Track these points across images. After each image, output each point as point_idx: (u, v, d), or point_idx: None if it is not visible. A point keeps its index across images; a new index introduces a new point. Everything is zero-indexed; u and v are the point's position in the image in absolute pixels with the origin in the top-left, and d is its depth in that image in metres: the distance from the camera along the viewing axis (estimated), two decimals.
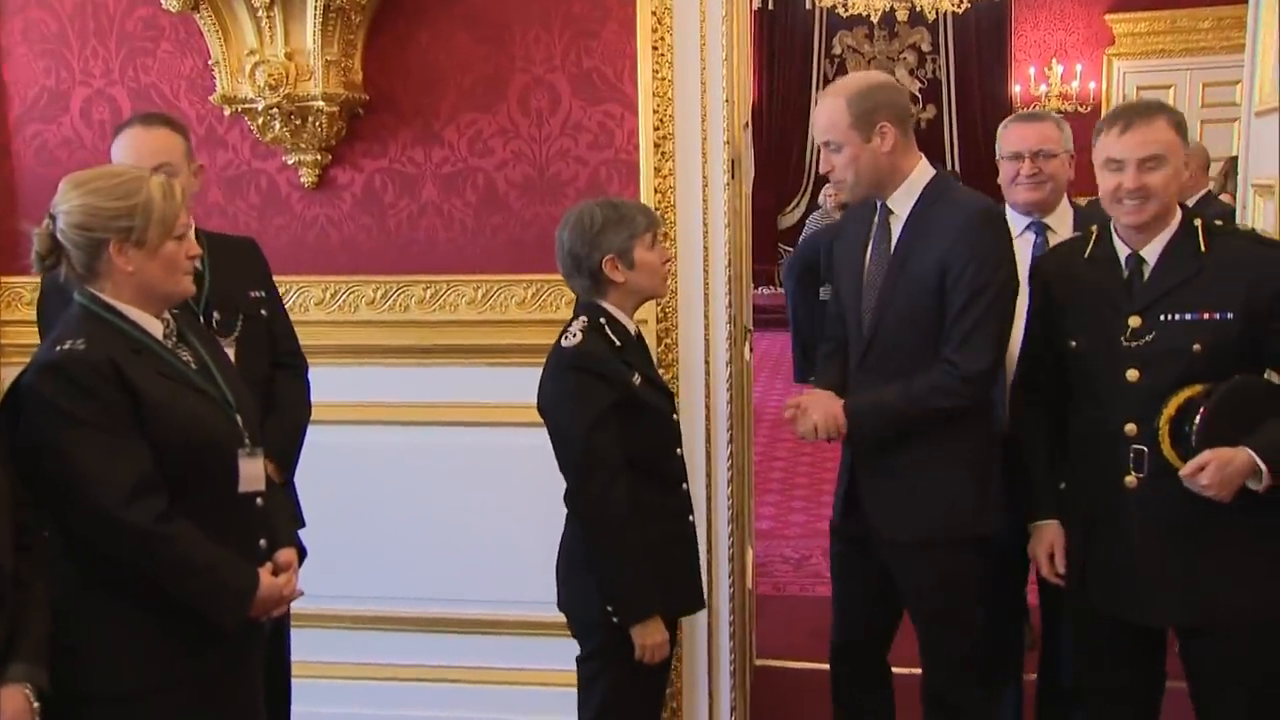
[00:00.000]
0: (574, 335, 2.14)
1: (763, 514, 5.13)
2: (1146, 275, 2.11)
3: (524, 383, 2.38)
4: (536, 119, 2.99)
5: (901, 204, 2.26)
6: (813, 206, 11.34)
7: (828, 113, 2.26)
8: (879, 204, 2.30)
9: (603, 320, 2.18)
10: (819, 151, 2.31)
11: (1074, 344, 2.17)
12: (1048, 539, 2.26)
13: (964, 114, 11.46)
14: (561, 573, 2.28)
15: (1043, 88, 11.11)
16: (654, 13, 2.84)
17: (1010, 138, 2.71)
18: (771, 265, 11.94)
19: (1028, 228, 2.64)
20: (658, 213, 2.47)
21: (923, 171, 2.28)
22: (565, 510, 2.26)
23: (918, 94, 11.88)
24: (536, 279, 3.03)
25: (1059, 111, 10.95)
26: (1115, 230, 2.18)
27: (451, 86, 3.03)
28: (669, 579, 2.21)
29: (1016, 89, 11.36)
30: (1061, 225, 2.64)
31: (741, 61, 3.25)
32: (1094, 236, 2.22)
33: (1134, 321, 2.09)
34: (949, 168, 11.48)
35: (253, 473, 1.89)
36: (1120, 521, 2.12)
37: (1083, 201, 2.83)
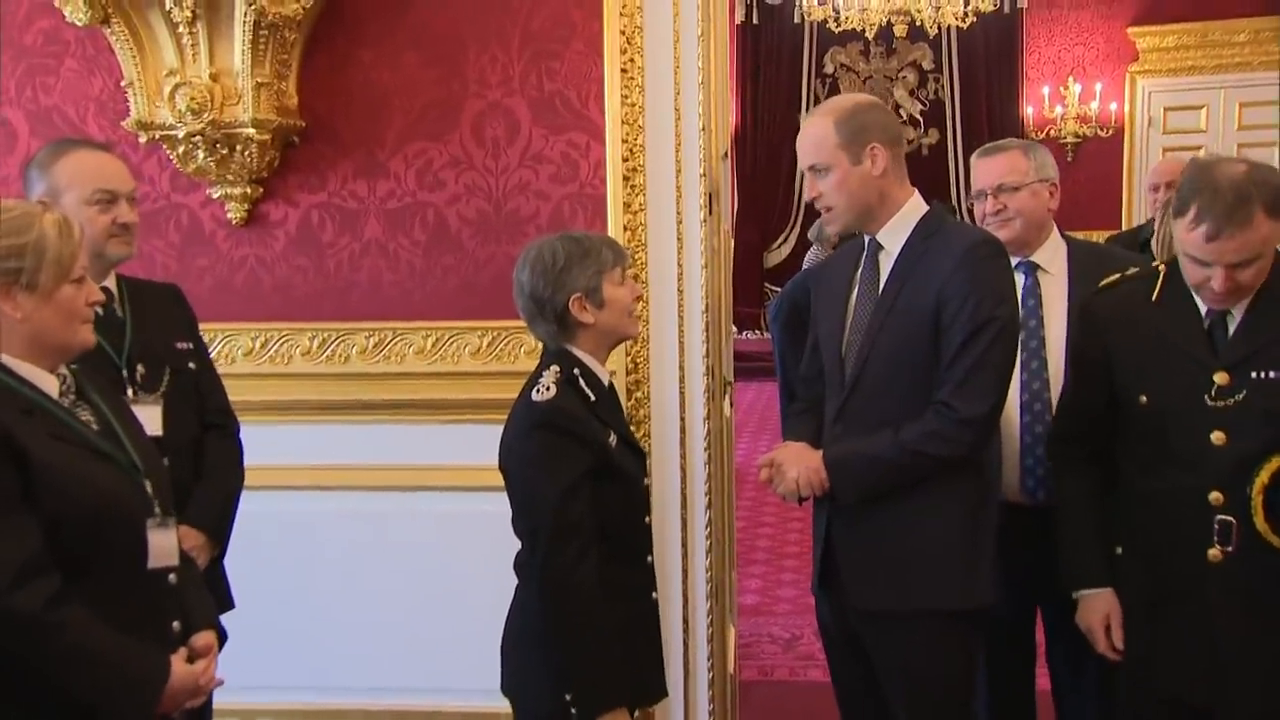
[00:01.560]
0: (547, 389, 2.15)
1: (747, 588, 5.14)
2: (1233, 327, 2.10)
3: (480, 442, 2.42)
4: (492, 148, 3.06)
5: (892, 239, 2.32)
6: (805, 242, 11.51)
7: (814, 134, 2.32)
8: (867, 240, 2.37)
9: (576, 371, 2.21)
10: (804, 179, 2.37)
11: (1143, 400, 2.16)
12: (1102, 609, 2.25)
13: (971, 139, 11.58)
14: (507, 650, 2.28)
15: (1058, 109, 11.27)
16: (623, 32, 2.93)
17: (974, 175, 2.81)
18: (756, 308, 12.08)
19: (1015, 267, 2.69)
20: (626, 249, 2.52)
21: (916, 205, 2.34)
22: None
23: (919, 116, 12.12)
24: (493, 326, 3.08)
25: (1077, 136, 11.23)
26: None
27: (398, 112, 3.09)
28: (632, 663, 2.20)
29: (1029, 111, 11.53)
30: (1053, 263, 2.69)
31: (720, 84, 3.34)
32: (1162, 277, 2.20)
33: (1221, 378, 2.07)
34: (953, 199, 11.67)
35: (164, 546, 1.87)
36: (1199, 599, 2.10)
37: (1083, 237, 2.91)
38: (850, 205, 2.31)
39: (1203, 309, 2.14)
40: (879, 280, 2.32)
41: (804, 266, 7.71)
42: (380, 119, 3.10)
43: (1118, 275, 2.33)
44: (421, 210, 3.11)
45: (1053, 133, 11.29)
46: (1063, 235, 2.76)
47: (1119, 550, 2.27)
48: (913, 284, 2.25)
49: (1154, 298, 2.21)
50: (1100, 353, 2.26)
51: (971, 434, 2.20)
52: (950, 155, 11.97)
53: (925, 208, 2.34)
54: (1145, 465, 2.20)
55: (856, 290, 2.36)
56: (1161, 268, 2.24)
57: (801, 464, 2.31)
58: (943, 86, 12.16)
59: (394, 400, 3.12)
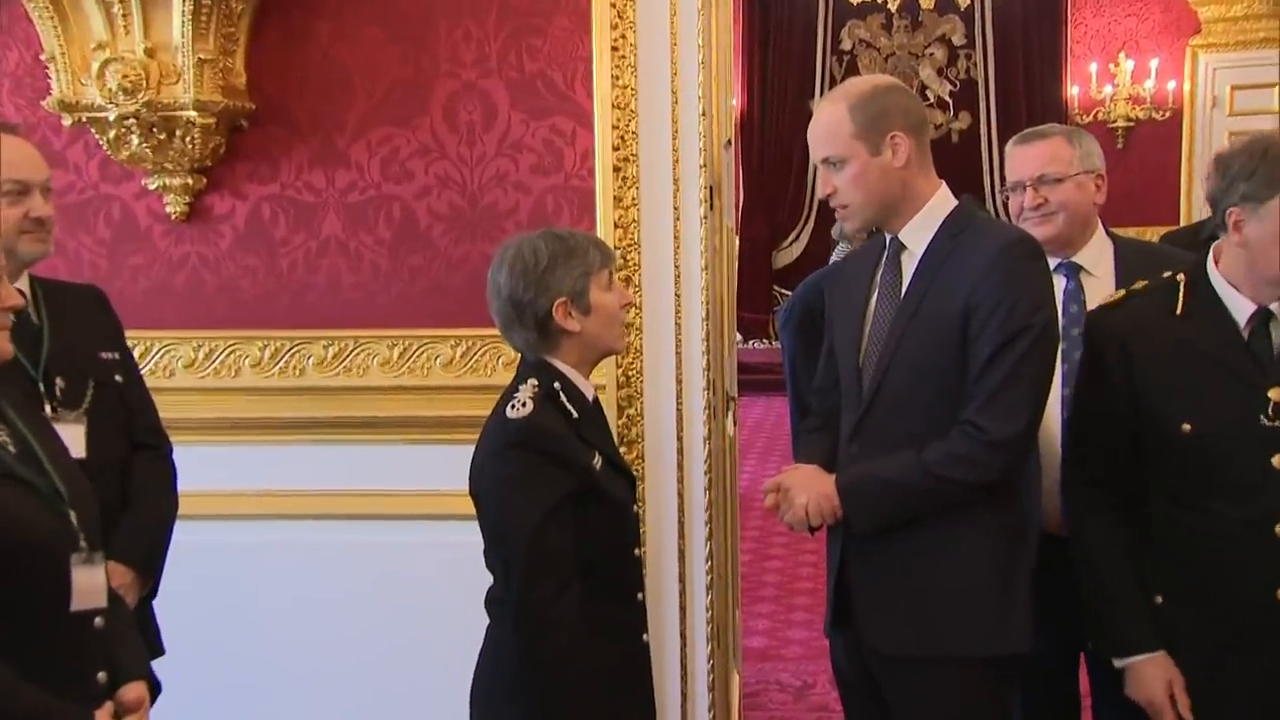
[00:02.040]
0: (523, 404, 2.17)
1: (753, 629, 5.15)
2: (1278, 335, 2.11)
3: (451, 465, 2.43)
4: (466, 135, 3.09)
5: (916, 237, 2.33)
6: (819, 239, 11.50)
7: (827, 122, 2.31)
8: (888, 239, 2.39)
9: (557, 385, 2.23)
10: (817, 176, 2.40)
11: (1186, 428, 2.15)
12: (1161, 676, 2.21)
13: (1007, 124, 11.57)
14: (477, 699, 2.28)
15: (1108, 89, 11.29)
16: (613, 5, 2.95)
17: (1010, 164, 2.79)
18: (764, 314, 12.14)
19: (1055, 269, 2.69)
20: (615, 250, 2.55)
21: (943, 200, 2.35)
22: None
23: (948, 99, 12.17)
24: (467, 334, 3.10)
25: (1129, 119, 11.23)
26: (1216, 275, 2.17)
27: (360, 93, 3.12)
28: (619, 715, 2.23)
29: (1074, 92, 11.57)
30: (1098, 264, 2.71)
31: (723, 63, 3.37)
32: (1183, 285, 2.22)
33: (1277, 395, 2.08)
34: (986, 192, 11.71)
35: (90, 585, 1.82)
36: (1272, 646, 2.11)
37: (1135, 235, 2.93)
38: (868, 201, 2.32)
39: (1240, 318, 2.14)
40: (901, 283, 2.33)
41: (833, 262, 7.69)
42: (340, 101, 3.12)
43: (1123, 291, 2.34)
44: (386, 204, 3.13)
45: (1101, 116, 11.33)
46: (1109, 233, 2.78)
47: (1158, 599, 2.25)
48: (938, 287, 2.26)
49: (1177, 311, 2.21)
50: (1123, 378, 2.24)
51: (1002, 457, 2.21)
52: (983, 142, 12.01)
53: (954, 202, 2.36)
54: (1188, 500, 2.19)
55: (876, 294, 2.38)
56: (1181, 276, 2.24)
57: (812, 489, 2.32)
58: (975, 64, 12.20)
59: (355, 418, 3.14)
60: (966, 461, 2.19)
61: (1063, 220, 2.70)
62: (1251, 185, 2.07)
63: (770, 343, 11.85)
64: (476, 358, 3.10)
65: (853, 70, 12.17)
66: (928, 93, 12.12)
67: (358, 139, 3.12)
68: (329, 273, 3.15)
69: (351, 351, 3.15)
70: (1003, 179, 12.30)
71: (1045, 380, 2.26)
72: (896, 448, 2.26)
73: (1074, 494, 2.37)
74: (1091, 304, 2.64)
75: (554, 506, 2.12)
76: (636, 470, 2.97)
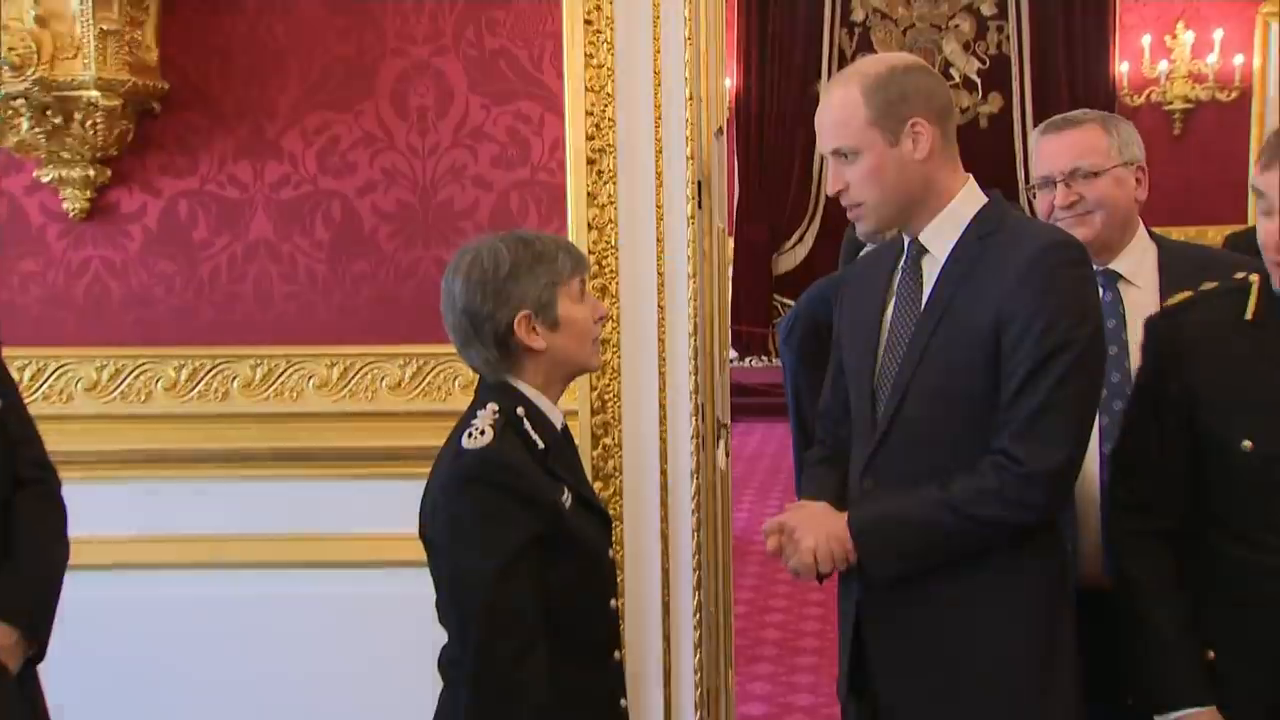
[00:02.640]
0: (481, 433, 2.18)
1: (751, 694, 5.15)
2: None
3: (399, 503, 2.45)
4: (418, 122, 3.12)
5: (939, 239, 2.34)
6: (828, 241, 11.49)
7: (838, 108, 2.31)
8: (906, 241, 2.41)
9: (521, 411, 2.25)
10: (823, 168, 2.42)
11: (1247, 445, 2.18)
12: None
13: (1044, 107, 11.51)
14: None
15: (1163, 65, 11.35)
16: None
17: (1038, 157, 2.81)
18: (763, 327, 12.20)
19: None
20: (588, 255, 2.57)
21: (970, 197, 2.34)
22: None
23: (976, 78, 12.24)
24: (418, 352, 3.13)
25: (1188, 100, 11.24)
26: None
27: (293, 73, 3.15)
28: None
29: (1124, 69, 11.63)
30: (1139, 271, 2.72)
31: (714, 38, 3.40)
32: (1257, 289, 2.25)
33: None
34: (1021, 187, 11.72)
35: None
36: None
37: (1194, 236, 2.95)
38: (886, 199, 2.32)
39: None
40: (921, 292, 2.34)
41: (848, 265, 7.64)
42: (270, 82, 3.15)
43: (1189, 292, 2.36)
44: (325, 201, 3.16)
45: (1155, 97, 11.41)
46: (1151, 235, 2.79)
47: (1210, 655, 2.26)
48: (966, 297, 2.27)
49: (1248, 315, 2.24)
50: (1180, 389, 2.27)
51: (1041, 493, 2.21)
52: (1017, 129, 12.06)
53: (982, 199, 2.37)
54: (1248, 534, 2.21)
55: (893, 304, 2.39)
56: (1254, 277, 2.26)
57: (821, 530, 2.32)
58: (1008, 38, 12.27)
59: (288, 449, 3.16)
60: (999, 497, 2.20)
61: (1100, 220, 2.71)
62: None
63: (770, 360, 11.89)
64: (429, 379, 3.14)
65: (866, 45, 12.21)
66: (952, 71, 12.18)
67: (291, 126, 3.15)
68: (257, 280, 3.18)
69: (284, 372, 3.17)
70: None
71: (1090, 405, 2.27)
72: (917, 483, 2.26)
73: (1119, 522, 2.40)
74: (1132, 317, 2.67)
75: (516, 552, 2.13)
76: (613, 510, 3.00)
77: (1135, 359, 2.62)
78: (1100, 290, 2.68)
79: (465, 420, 2.25)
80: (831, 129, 2.35)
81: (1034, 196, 2.85)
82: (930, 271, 2.35)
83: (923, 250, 2.37)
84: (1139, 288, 2.71)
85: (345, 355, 3.16)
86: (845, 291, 2.59)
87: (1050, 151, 2.79)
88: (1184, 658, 2.27)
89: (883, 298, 2.42)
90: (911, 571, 2.28)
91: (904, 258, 2.41)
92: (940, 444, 2.28)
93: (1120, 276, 2.73)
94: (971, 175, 2.40)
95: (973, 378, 2.24)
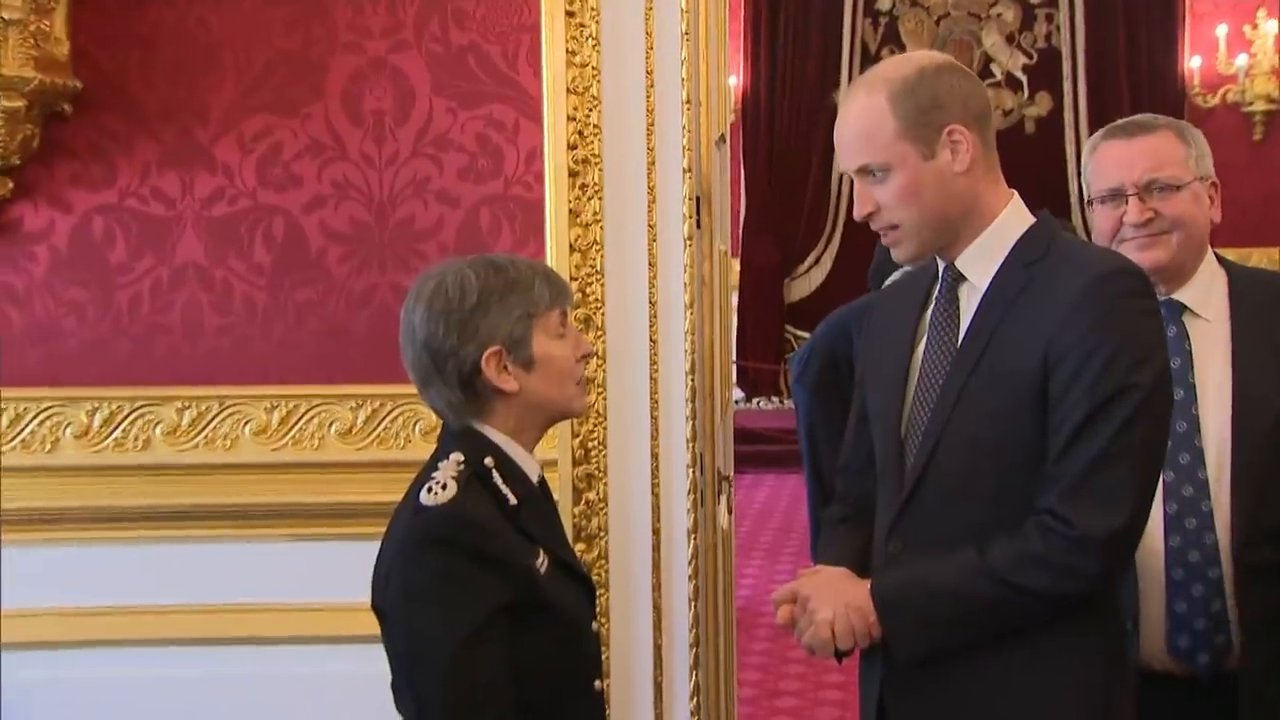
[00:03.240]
0: (443, 486, 2.19)
1: None
2: None
3: (350, 569, 2.47)
4: (374, 128, 3.15)
5: (979, 265, 2.34)
6: (852, 264, 11.46)
7: (862, 118, 2.31)
8: (941, 267, 2.42)
9: (489, 462, 2.26)
10: (844, 179, 2.41)
11: None
12: None
13: (1102, 109, 11.67)
14: None
15: (1242, 60, 11.35)
16: None
17: (1102, 166, 2.78)
18: (774, 363, 12.25)
19: None
20: (570, 282, 2.58)
21: (1015, 216, 2.34)
22: None
23: (1021, 75, 12.31)
24: (372, 393, 3.15)
25: (1271, 101, 11.15)
26: None
27: (229, 71, 3.17)
28: None
29: (1195, 64, 11.69)
30: (1207, 302, 2.72)
31: (717, 31, 3.44)
32: None
33: None
34: (1074, 202, 11.70)
35: None
36: None
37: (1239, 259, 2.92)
38: (926, 220, 2.32)
39: None
40: (958, 326, 2.35)
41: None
42: (201, 80, 3.17)
43: None
44: (265, 219, 3.18)
45: (1232, 97, 11.41)
46: (1220, 259, 2.81)
47: None
48: (1009, 332, 2.27)
49: None
50: None
51: (1095, 561, 2.20)
52: (1069, 134, 12.10)
53: (1029, 219, 2.38)
54: None
55: (925, 341, 2.40)
56: None
57: (840, 600, 2.31)
58: (1058, 28, 12.35)
59: (220, 506, 3.17)
60: (1046, 565, 2.19)
61: (1177, 242, 2.70)
62: None
63: (781, 402, 11.95)
64: (385, 424, 3.16)
65: (893, 38, 12.33)
66: (993, 68, 12.26)
67: (226, 132, 3.18)
68: (186, 310, 3.19)
69: (216, 416, 3.19)
70: None
71: (1155, 459, 2.26)
72: (953, 546, 2.27)
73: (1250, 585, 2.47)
74: (1200, 354, 2.68)
75: (483, 622, 2.13)
76: (597, 576, 3.02)
77: (1207, 404, 2.65)
78: (1166, 323, 2.69)
79: (425, 472, 2.25)
80: (855, 144, 2.34)
81: (1091, 211, 2.84)
82: (969, 303, 2.35)
83: (960, 278, 2.37)
84: (1208, 321, 2.71)
85: (288, 397, 3.17)
86: (871, 323, 2.59)
87: (1119, 160, 2.77)
88: None
89: (913, 332, 2.43)
90: (943, 648, 2.28)
91: (939, 286, 2.41)
92: (979, 501, 2.27)
93: (1186, 308, 2.73)
94: (1016, 192, 2.41)
95: (1017, 424, 2.24)
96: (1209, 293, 2.75)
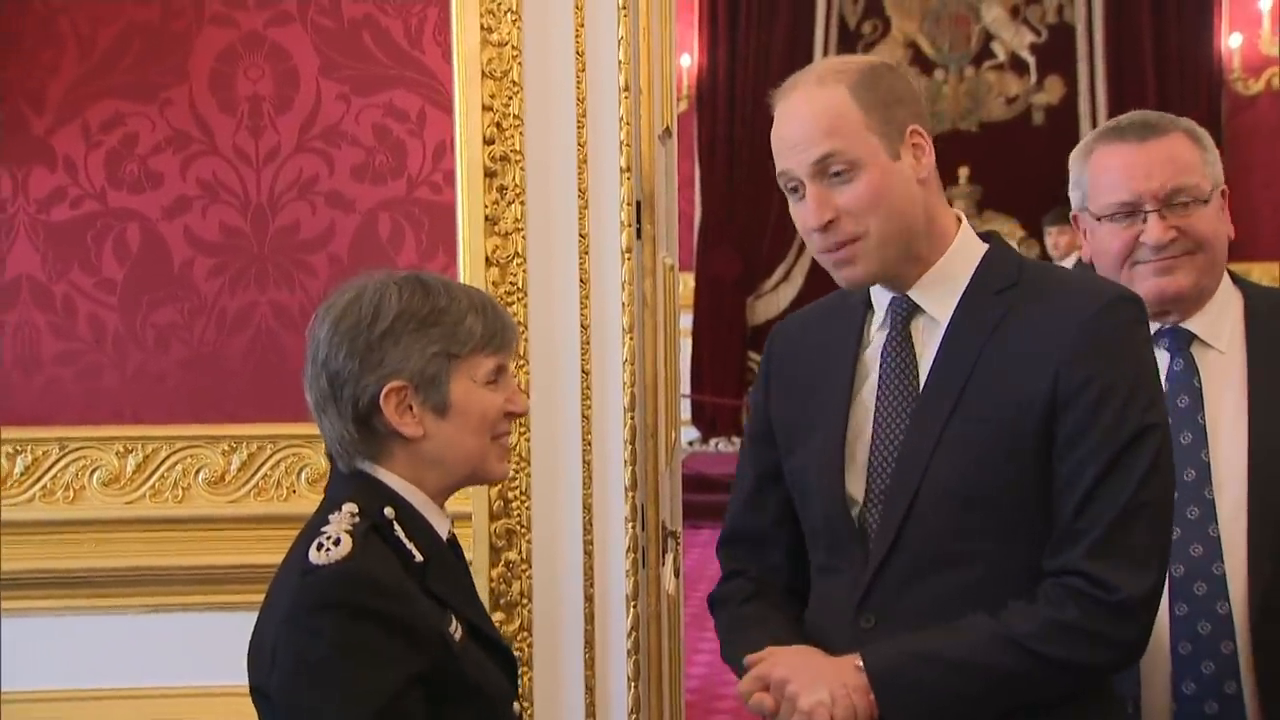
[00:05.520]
0: (335, 542, 2.19)
1: None
2: None
3: (222, 645, 2.48)
4: (250, 117, 3.18)
5: (936, 296, 2.38)
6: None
7: (824, 108, 2.36)
8: (882, 300, 2.45)
9: (389, 513, 2.28)
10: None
11: None
12: None
13: (1122, 96, 11.70)
14: None
15: None
16: None
17: (1107, 175, 2.79)
18: (735, 398, 12.13)
19: (1155, 338, 2.68)
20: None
21: (969, 239, 2.42)
22: None
23: (1028, 56, 12.37)
24: (249, 433, 3.16)
25: None
26: None
27: (70, 47, 3.18)
28: None
29: (1233, 43, 11.78)
30: (1218, 329, 2.75)
31: (662, 5, 3.47)
32: None
33: None
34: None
35: None
36: None
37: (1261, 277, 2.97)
38: (893, 231, 2.35)
39: None
40: (917, 367, 2.40)
41: None
42: (37, 58, 3.18)
43: None
44: (117, 225, 3.20)
45: (1277, 83, 11.53)
46: (1234, 279, 2.83)
47: None
48: (994, 368, 2.32)
49: None
50: None
51: (1134, 627, 2.25)
52: (1084, 124, 12.02)
53: (981, 243, 2.45)
54: None
55: (870, 385, 2.44)
56: None
57: (835, 681, 2.31)
58: (1072, 4, 12.39)
59: (60, 572, 3.17)
60: (1083, 634, 2.22)
61: (1202, 265, 2.73)
62: None
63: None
64: (264, 472, 3.17)
65: (875, 10, 12.48)
66: (994, 47, 12.35)
67: (67, 120, 3.19)
68: (18, 334, 3.20)
69: (56, 463, 3.19)
70: None
71: (1170, 507, 2.32)
72: (939, 616, 2.29)
73: None
74: (1212, 391, 2.70)
75: (391, 700, 2.14)
76: (519, 651, 3.04)
77: (1219, 449, 2.66)
78: (1167, 355, 2.71)
79: (313, 526, 2.25)
80: (816, 133, 2.36)
81: (1085, 229, 2.85)
82: (929, 338, 2.40)
83: (914, 310, 2.42)
84: (1220, 352, 2.73)
85: (145, 439, 3.18)
86: (775, 369, 2.60)
87: (1131, 167, 2.76)
88: None
89: (849, 375, 2.46)
90: None
91: (882, 321, 2.45)
92: (969, 562, 2.30)
93: (1195, 337, 2.75)
94: (961, 212, 2.47)
95: (1013, 471, 2.28)
96: (1222, 319, 2.76)
